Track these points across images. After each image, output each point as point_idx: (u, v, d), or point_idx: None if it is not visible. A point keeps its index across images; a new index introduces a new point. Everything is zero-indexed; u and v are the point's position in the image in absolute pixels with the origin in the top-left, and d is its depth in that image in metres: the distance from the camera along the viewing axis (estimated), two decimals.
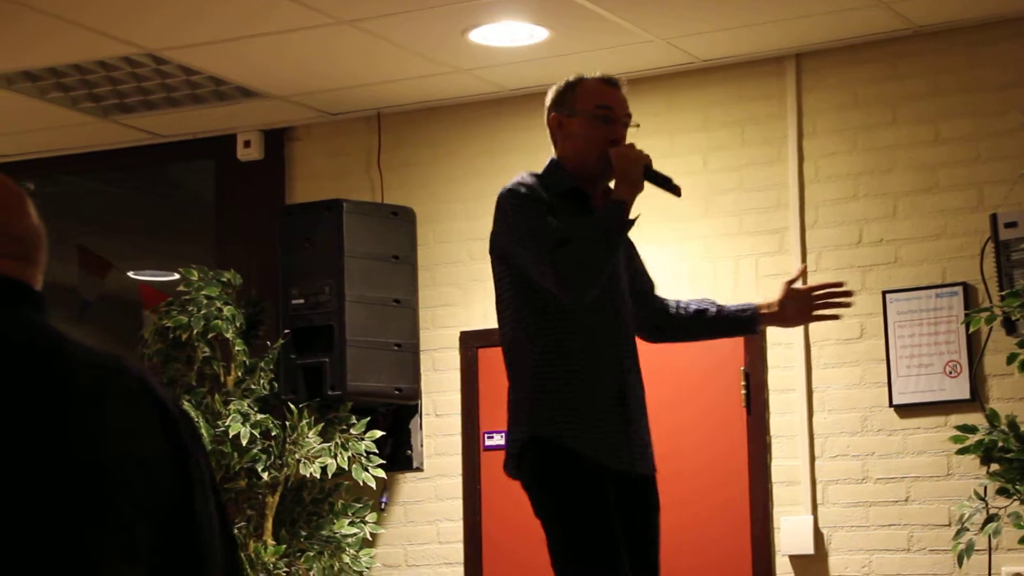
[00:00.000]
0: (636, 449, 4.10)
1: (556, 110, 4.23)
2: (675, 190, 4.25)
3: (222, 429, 6.59)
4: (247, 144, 7.51)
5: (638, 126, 4.32)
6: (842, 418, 6.38)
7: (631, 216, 4.13)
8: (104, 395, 1.95)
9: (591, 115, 4.18)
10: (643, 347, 6.83)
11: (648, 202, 6.74)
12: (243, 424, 6.60)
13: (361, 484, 6.79)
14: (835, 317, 4.51)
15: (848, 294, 4.47)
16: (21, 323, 1.97)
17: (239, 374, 6.84)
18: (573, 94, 4.23)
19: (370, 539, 6.92)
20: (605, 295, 4.11)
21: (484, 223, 4.76)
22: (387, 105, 7.20)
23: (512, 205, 4.08)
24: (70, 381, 1.93)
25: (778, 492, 6.45)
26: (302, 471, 6.66)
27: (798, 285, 4.45)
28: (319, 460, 6.66)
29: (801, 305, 4.42)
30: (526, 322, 4.07)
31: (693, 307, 4.42)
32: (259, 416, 6.70)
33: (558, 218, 4.04)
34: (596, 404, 4.05)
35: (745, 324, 4.44)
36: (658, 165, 6.74)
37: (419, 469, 7.09)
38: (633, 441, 4.10)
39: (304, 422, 6.70)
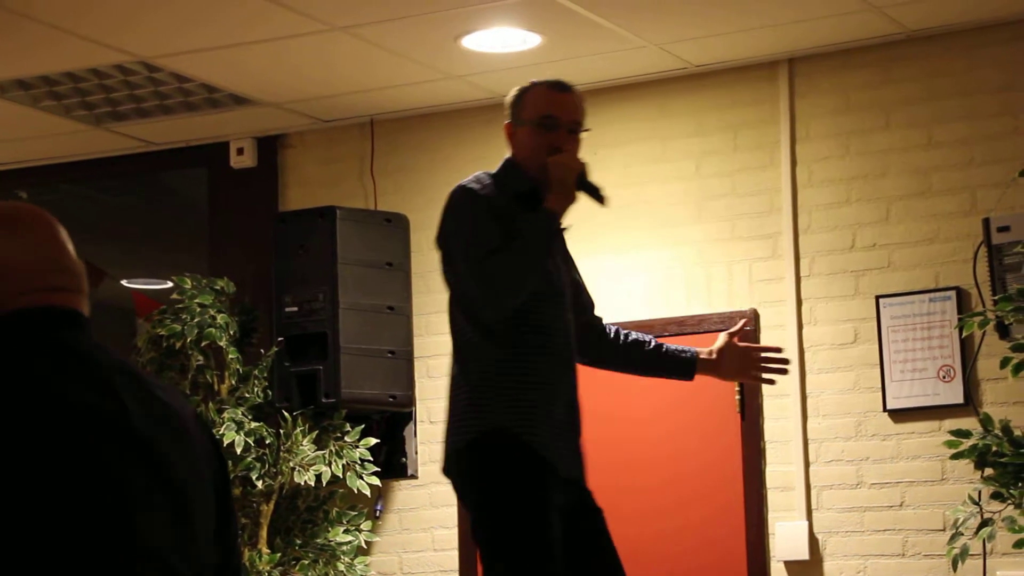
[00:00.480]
0: (580, 459, 4.10)
1: (509, 118, 4.23)
2: (601, 200, 4.17)
3: (216, 438, 6.58)
4: (240, 151, 7.50)
5: (588, 130, 4.22)
6: (836, 423, 6.38)
7: (562, 226, 4.07)
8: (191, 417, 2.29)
9: (535, 124, 4.14)
10: None
11: (641, 208, 6.77)
12: (237, 432, 6.59)
13: (356, 492, 6.78)
14: (771, 382, 4.47)
15: (786, 361, 4.43)
16: (94, 346, 2.17)
17: (233, 382, 6.83)
18: (521, 103, 4.21)
19: (365, 547, 6.91)
20: (555, 304, 4.08)
21: None
22: (380, 112, 7.20)
23: (460, 203, 4.06)
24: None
25: (773, 497, 6.45)
26: (296, 479, 6.65)
27: (738, 341, 4.39)
28: (313, 468, 6.65)
29: (742, 362, 4.38)
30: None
31: (632, 336, 4.36)
32: (253, 424, 6.69)
33: (513, 220, 4.00)
34: (552, 409, 4.02)
35: (682, 366, 4.37)
36: (651, 171, 6.80)
37: (414, 476, 7.09)
38: (579, 451, 4.10)
39: (298, 430, 6.69)
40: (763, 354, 4.42)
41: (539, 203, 4.05)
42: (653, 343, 4.36)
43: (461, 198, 4.07)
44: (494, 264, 3.93)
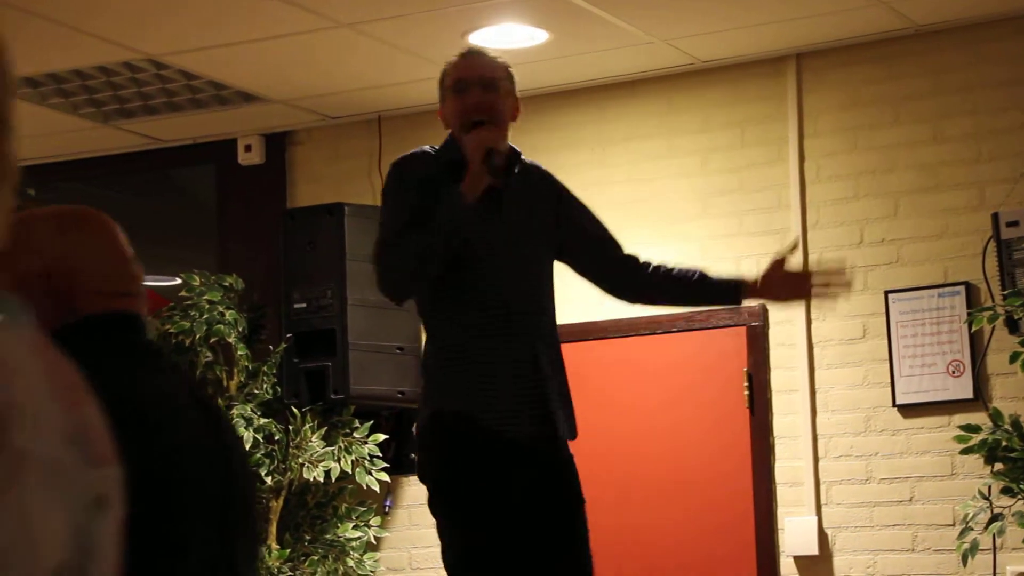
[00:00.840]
0: (538, 418, 4.11)
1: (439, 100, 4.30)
2: (500, 177, 4.11)
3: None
4: (248, 148, 7.51)
5: (497, 83, 4.20)
6: (845, 418, 6.38)
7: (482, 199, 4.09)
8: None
9: (450, 91, 4.23)
10: (645, 350, 6.84)
11: (648, 204, 6.77)
12: (246, 429, 6.60)
13: (365, 488, 6.79)
14: (832, 297, 4.34)
15: (849, 282, 4.35)
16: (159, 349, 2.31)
17: (242, 379, 6.84)
18: (441, 78, 4.31)
19: (374, 543, 6.92)
20: (486, 268, 4.11)
21: None
22: (388, 108, 7.20)
23: (386, 181, 4.24)
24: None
25: (782, 493, 6.44)
26: (306, 475, 6.66)
27: (794, 265, 4.30)
28: (322, 464, 6.66)
29: (795, 284, 4.27)
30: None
31: (674, 270, 4.31)
32: (262, 420, 6.70)
33: (445, 189, 4.07)
34: (492, 379, 4.08)
35: (726, 292, 4.31)
36: (658, 167, 6.80)
37: None
38: (536, 409, 4.11)
39: (307, 426, 6.70)
40: (819, 278, 4.28)
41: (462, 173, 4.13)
42: (697, 274, 4.30)
43: (388, 175, 4.25)
44: (390, 246, 4.06)
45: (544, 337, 4.16)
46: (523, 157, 4.31)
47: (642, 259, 4.35)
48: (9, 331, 1.33)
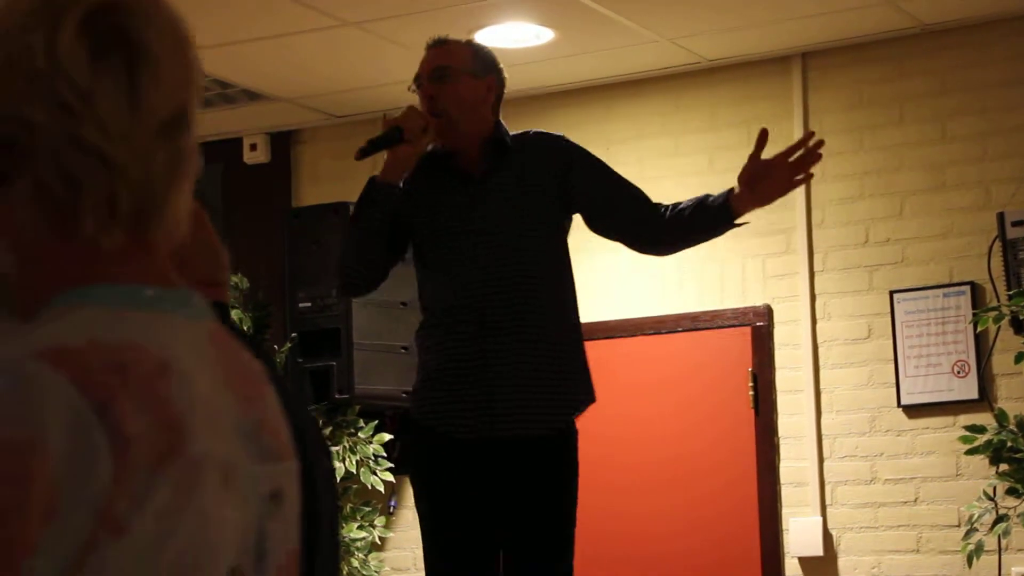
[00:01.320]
0: (487, 413, 4.06)
1: None
2: (382, 143, 4.13)
3: None
4: (253, 147, 7.51)
5: (445, 70, 4.15)
6: (850, 419, 6.37)
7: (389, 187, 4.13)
8: None
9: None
10: (650, 349, 6.82)
11: None
12: None
13: (369, 488, 6.78)
14: (809, 176, 4.11)
15: (818, 144, 4.06)
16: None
17: None
18: None
19: (379, 543, 6.91)
20: (445, 258, 4.12)
21: None
22: (393, 107, 7.16)
23: None
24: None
25: (787, 493, 6.44)
26: None
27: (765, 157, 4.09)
28: None
29: (776, 177, 4.07)
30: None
31: (677, 207, 4.14)
32: None
33: (423, 181, 4.15)
34: (441, 376, 4.10)
35: (719, 215, 4.10)
36: (665, 166, 6.79)
37: None
38: (484, 404, 4.07)
39: None
40: (792, 155, 4.08)
41: (442, 163, 4.17)
42: (691, 206, 4.13)
43: None
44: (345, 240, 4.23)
45: (512, 330, 4.04)
46: (532, 132, 4.24)
47: (663, 209, 4.15)
48: (189, 327, 1.34)
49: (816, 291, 6.48)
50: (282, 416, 1.40)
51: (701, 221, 4.14)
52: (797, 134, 6.53)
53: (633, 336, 6.67)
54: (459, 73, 4.14)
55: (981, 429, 5.37)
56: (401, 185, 4.15)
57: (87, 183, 1.31)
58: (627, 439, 6.56)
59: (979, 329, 5.83)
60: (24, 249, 1.33)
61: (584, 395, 4.17)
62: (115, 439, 1.19)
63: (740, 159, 6.63)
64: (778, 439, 6.47)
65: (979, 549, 5.28)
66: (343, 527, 6.78)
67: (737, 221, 4.14)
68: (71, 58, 1.31)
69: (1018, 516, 5.32)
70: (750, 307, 6.51)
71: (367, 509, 6.85)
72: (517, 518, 4.01)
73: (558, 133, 4.32)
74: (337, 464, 6.67)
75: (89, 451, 1.18)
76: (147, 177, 1.33)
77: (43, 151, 1.31)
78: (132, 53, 1.34)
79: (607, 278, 6.71)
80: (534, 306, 4.08)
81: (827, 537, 6.35)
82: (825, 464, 6.40)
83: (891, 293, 6.32)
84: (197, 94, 1.39)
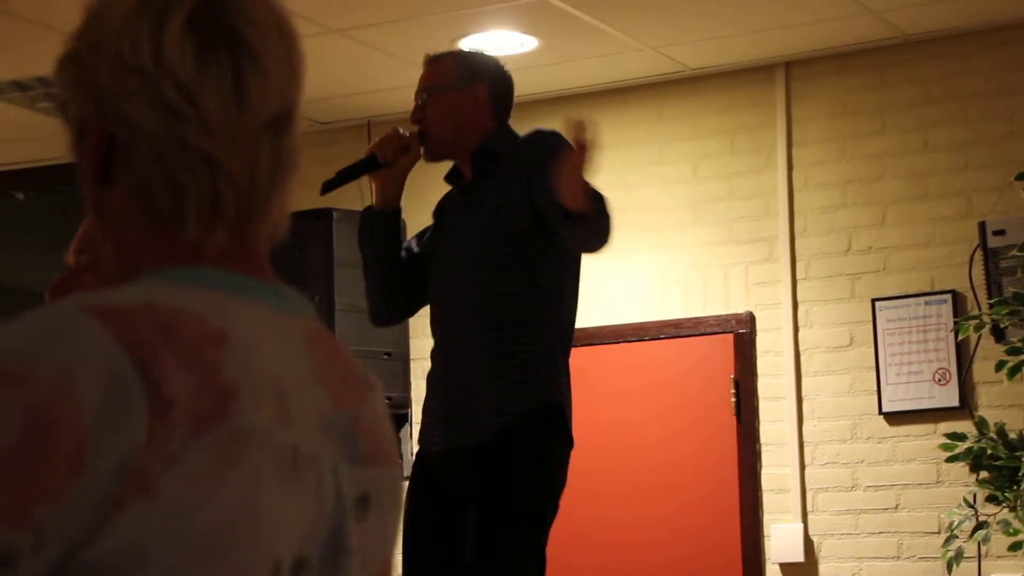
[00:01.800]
0: (450, 426, 4.01)
1: None
2: (351, 173, 4.22)
3: None
4: None
5: (430, 90, 4.11)
6: (832, 426, 6.39)
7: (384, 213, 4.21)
8: None
9: None
10: (631, 356, 6.83)
11: (637, 211, 6.77)
12: None
13: None
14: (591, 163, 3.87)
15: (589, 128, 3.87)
16: None
17: None
18: None
19: None
20: (437, 288, 4.12)
21: None
22: (377, 114, 7.20)
23: None
24: None
25: (768, 500, 6.45)
26: None
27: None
28: None
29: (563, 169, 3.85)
30: None
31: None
32: None
33: (446, 200, 4.23)
34: (431, 399, 4.15)
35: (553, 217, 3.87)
36: (648, 174, 6.80)
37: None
38: (448, 417, 4.03)
39: None
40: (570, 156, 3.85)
41: (455, 178, 4.21)
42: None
43: None
44: None
45: (478, 346, 3.96)
46: (531, 132, 4.09)
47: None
48: (273, 314, 1.32)
49: (798, 299, 6.50)
50: (385, 423, 1.38)
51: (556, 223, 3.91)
52: (780, 143, 6.57)
53: (615, 343, 6.68)
54: (438, 91, 4.10)
55: (962, 437, 5.39)
56: (397, 207, 4.18)
57: (191, 186, 1.30)
58: (608, 446, 6.57)
59: (960, 337, 5.85)
60: (127, 250, 1.33)
61: (531, 397, 3.94)
62: (154, 398, 1.17)
63: (724, 167, 6.70)
64: (760, 446, 6.49)
65: (959, 556, 5.30)
66: None
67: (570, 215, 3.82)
68: (177, 56, 1.30)
69: (998, 523, 5.34)
70: (732, 314, 6.54)
71: None
72: (469, 524, 3.98)
73: (548, 130, 4.14)
74: None
75: (125, 406, 1.16)
76: (252, 177, 1.31)
77: (147, 152, 1.30)
78: (238, 51, 1.32)
79: (589, 285, 6.70)
80: (495, 322, 3.95)
81: (808, 543, 6.37)
82: (807, 471, 6.42)
83: (873, 301, 6.35)
84: (301, 91, 1.37)
